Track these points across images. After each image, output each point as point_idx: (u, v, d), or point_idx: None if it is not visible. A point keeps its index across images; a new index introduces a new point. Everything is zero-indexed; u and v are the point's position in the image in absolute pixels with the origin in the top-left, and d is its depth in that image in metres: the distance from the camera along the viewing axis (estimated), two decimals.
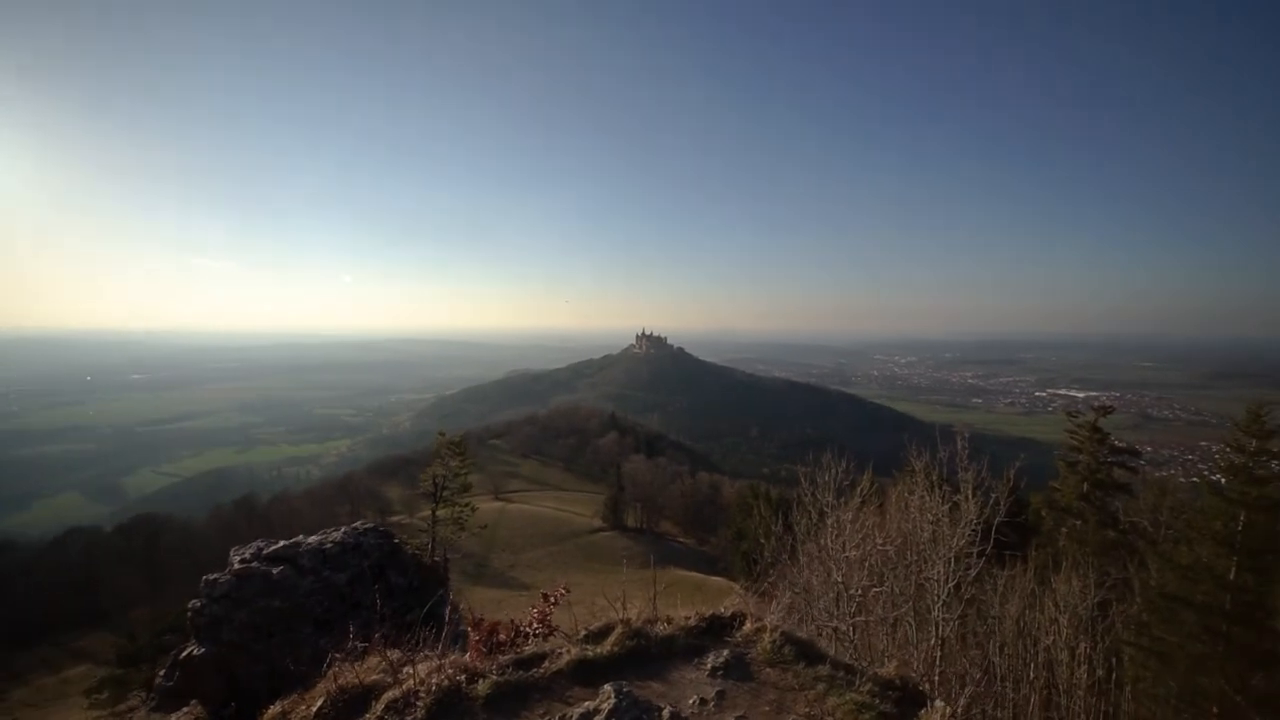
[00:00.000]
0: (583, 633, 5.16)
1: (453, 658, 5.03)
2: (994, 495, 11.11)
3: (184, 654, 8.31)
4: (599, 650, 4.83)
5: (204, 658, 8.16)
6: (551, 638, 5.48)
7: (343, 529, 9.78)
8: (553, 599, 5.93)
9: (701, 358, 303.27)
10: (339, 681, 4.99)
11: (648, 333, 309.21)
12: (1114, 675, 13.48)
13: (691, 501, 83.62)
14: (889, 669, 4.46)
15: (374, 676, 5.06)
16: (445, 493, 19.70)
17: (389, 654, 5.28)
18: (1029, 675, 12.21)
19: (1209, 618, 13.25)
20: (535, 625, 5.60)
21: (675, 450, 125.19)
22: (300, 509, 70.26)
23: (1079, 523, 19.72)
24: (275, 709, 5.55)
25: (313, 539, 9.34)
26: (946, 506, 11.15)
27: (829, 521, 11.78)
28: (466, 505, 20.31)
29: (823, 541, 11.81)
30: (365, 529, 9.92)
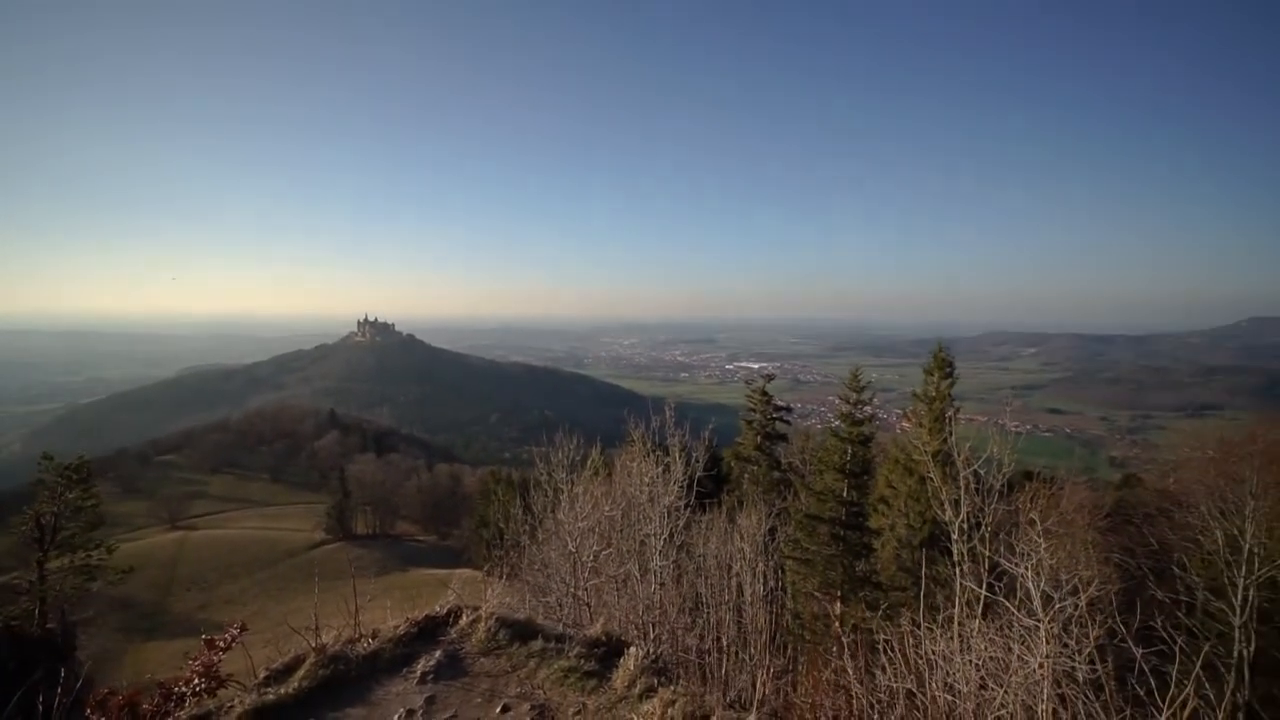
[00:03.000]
0: (263, 674, 4.36)
1: None
2: (695, 454, 12.98)
3: None
4: (284, 690, 4.14)
5: None
6: (223, 689, 4.52)
7: None
8: (221, 642, 4.86)
9: (435, 344, 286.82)
10: None
11: (372, 318, 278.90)
12: (780, 583, 17.24)
13: (430, 497, 79.18)
14: (595, 628, 4.82)
15: None
16: (63, 535, 14.39)
17: None
18: (725, 597, 14.76)
19: (834, 527, 17.83)
20: (196, 681, 4.52)
21: (409, 445, 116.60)
22: None
23: (755, 468, 24.53)
24: None
25: None
26: (660, 469, 12.61)
27: (563, 496, 12.31)
28: (97, 547, 15.07)
29: (559, 516, 12.30)
30: None
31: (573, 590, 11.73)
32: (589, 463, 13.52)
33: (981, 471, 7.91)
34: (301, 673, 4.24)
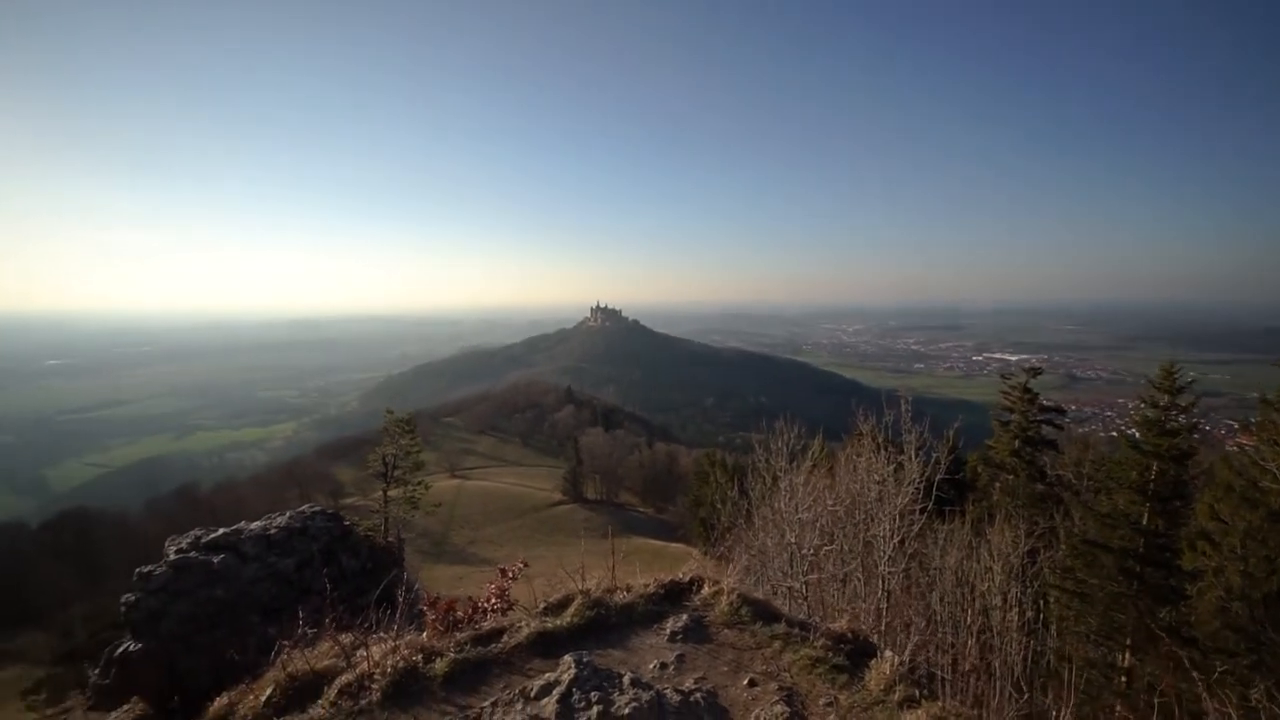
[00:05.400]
0: (542, 605, 5.14)
1: (408, 638, 4.94)
2: (935, 455, 11.67)
3: (120, 650, 7.89)
4: (558, 622, 4.84)
5: (142, 653, 7.76)
6: (510, 612, 5.45)
7: (288, 513, 9.41)
8: (510, 573, 5.89)
9: (657, 330, 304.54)
10: (288, 669, 4.83)
11: (603, 305, 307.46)
12: (1041, 616, 14.57)
13: (649, 472, 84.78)
14: (841, 623, 4.64)
15: (326, 662, 4.92)
16: (397, 472, 19.20)
17: (341, 638, 5.14)
18: (966, 620, 13.05)
19: (1125, 560, 14.43)
20: (493, 601, 5.56)
21: (632, 422, 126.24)
22: (246, 496, 67.49)
23: (1011, 477, 20.98)
24: (222, 701, 5.34)
25: (255, 525, 8.95)
26: (892, 467, 11.62)
27: (782, 485, 12.11)
28: (419, 484, 19.85)
29: (776, 505, 12.15)
30: (312, 512, 9.58)
31: (789, 582, 11.51)
32: (809, 454, 13.01)
33: None
34: (572, 610, 4.92)
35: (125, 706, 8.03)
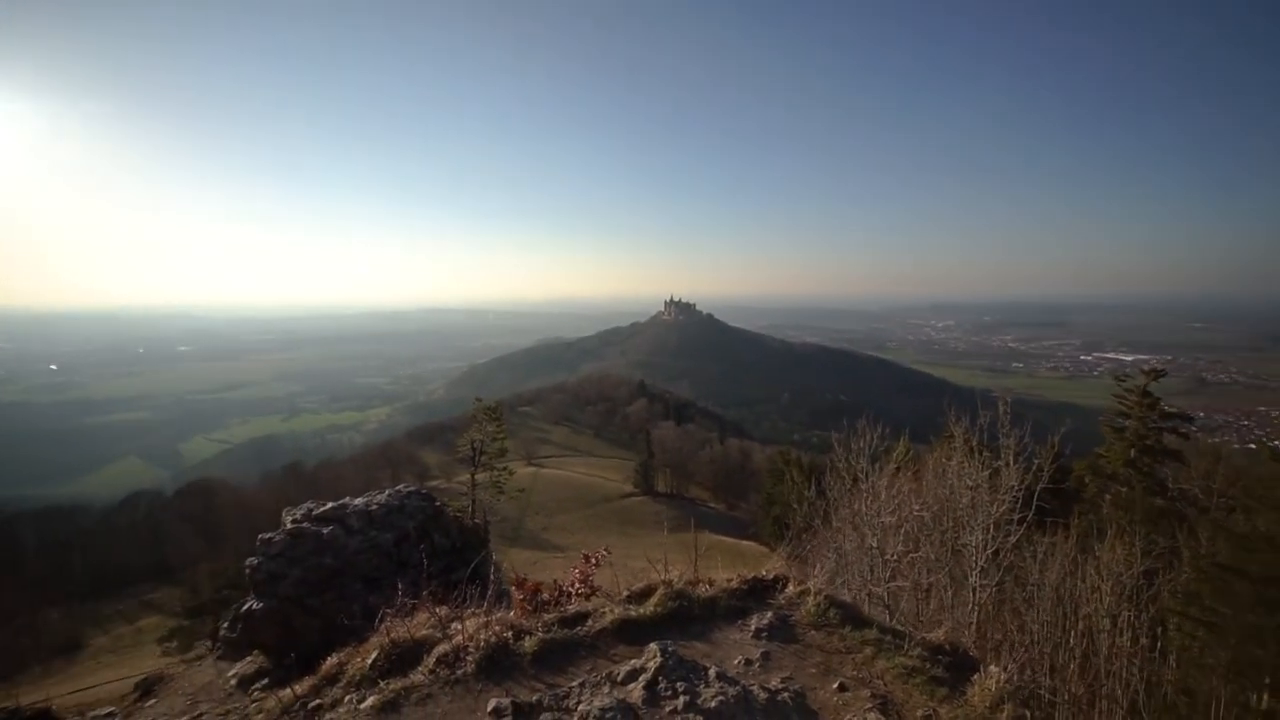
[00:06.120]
0: (625, 593, 5.23)
1: (499, 615, 5.17)
2: (1036, 461, 10.84)
3: (244, 608, 8.78)
4: (642, 610, 4.89)
5: (263, 611, 8.60)
6: (594, 598, 5.58)
7: (387, 491, 10.09)
8: (594, 559, 6.03)
9: (731, 324, 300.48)
10: (391, 635, 5.18)
11: (676, 299, 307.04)
12: (1158, 644, 13.18)
13: (721, 468, 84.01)
14: (939, 634, 4.40)
15: (424, 632, 5.23)
16: (483, 457, 20.22)
17: (438, 610, 5.45)
18: (1068, 642, 12.05)
19: (1266, 588, 12.78)
20: (577, 585, 5.70)
21: (705, 417, 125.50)
22: (345, 474, 73.08)
23: (1125, 490, 19.06)
24: (333, 660, 5.80)
25: (358, 501, 9.66)
26: (986, 473, 10.91)
27: (863, 487, 11.64)
28: (504, 469, 20.80)
29: (857, 507, 11.70)
30: (408, 492, 10.22)
31: (871, 588, 11.05)
32: (894, 455, 12.41)
33: None
34: (655, 600, 4.97)
35: (249, 658, 8.92)
